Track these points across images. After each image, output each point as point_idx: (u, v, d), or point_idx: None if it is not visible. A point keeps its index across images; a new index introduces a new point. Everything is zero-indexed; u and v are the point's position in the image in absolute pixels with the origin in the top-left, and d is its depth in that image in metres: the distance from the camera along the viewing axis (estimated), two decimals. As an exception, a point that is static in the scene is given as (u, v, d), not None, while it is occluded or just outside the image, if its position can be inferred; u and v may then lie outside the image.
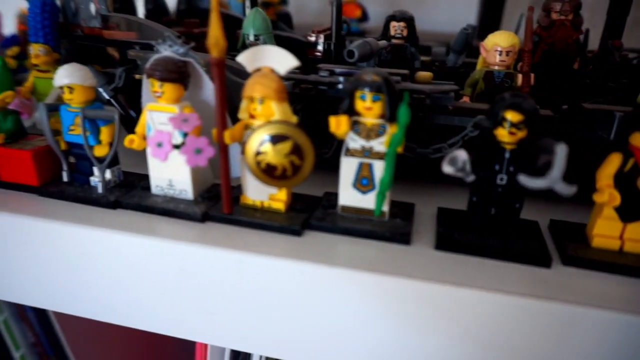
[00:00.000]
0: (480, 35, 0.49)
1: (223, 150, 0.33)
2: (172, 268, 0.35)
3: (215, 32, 0.30)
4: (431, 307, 0.31)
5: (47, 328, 0.65)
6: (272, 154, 0.31)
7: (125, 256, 0.35)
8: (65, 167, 0.40)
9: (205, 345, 0.50)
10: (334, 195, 0.38)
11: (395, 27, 0.49)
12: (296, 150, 0.31)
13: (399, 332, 0.31)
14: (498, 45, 0.40)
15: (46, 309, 0.63)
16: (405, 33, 0.49)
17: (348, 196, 0.35)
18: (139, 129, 0.37)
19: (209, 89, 0.37)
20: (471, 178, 0.31)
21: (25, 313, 0.64)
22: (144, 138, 0.36)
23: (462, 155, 0.30)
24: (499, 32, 0.40)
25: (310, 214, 0.36)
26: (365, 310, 0.32)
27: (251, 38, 0.47)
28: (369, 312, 0.32)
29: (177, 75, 0.34)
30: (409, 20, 0.49)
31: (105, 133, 0.37)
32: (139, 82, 0.42)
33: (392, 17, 0.49)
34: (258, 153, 0.31)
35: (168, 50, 0.35)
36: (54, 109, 0.38)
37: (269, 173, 0.32)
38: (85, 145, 0.37)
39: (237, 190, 0.37)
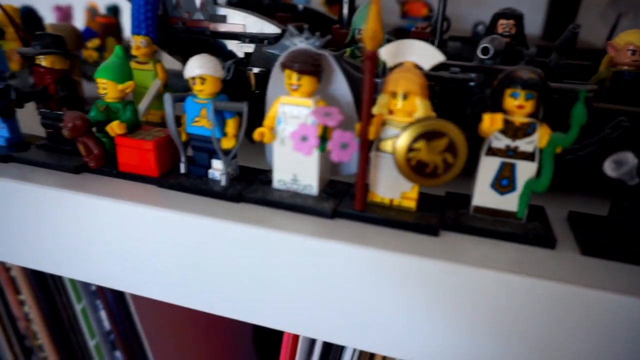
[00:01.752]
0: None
1: (364, 145, 0.33)
2: (302, 264, 0.34)
3: (372, 25, 0.30)
4: (585, 314, 0.30)
5: (125, 315, 0.65)
6: (425, 151, 0.30)
7: (250, 249, 0.35)
8: (183, 158, 0.40)
9: (296, 337, 0.49)
10: (460, 196, 0.37)
11: (504, 25, 0.48)
12: (451, 147, 0.30)
13: (557, 338, 0.30)
14: (632, 44, 0.38)
15: (126, 295, 0.63)
16: (513, 31, 0.48)
17: (484, 197, 0.34)
18: (268, 122, 0.36)
19: (339, 83, 0.36)
20: (635, 181, 0.29)
21: (106, 299, 0.64)
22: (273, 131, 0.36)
23: (630, 158, 0.28)
24: (634, 31, 0.39)
25: (441, 214, 0.35)
26: (515, 314, 0.31)
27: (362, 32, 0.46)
28: (519, 316, 0.31)
29: (315, 67, 0.34)
30: (518, 18, 0.47)
31: (231, 125, 0.37)
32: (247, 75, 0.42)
33: (501, 15, 0.48)
34: (410, 150, 0.30)
35: (304, 42, 0.35)
36: (180, 100, 0.38)
37: (418, 170, 0.31)
38: (212, 138, 0.37)
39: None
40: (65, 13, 0.88)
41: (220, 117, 0.37)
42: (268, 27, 0.46)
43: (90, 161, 0.40)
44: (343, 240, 0.33)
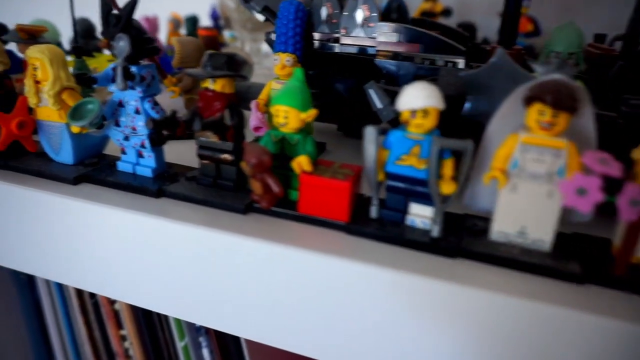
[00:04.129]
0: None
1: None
2: (563, 342, 0.28)
3: None
4: None
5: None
6: None
7: (478, 313, 0.29)
8: (375, 201, 0.34)
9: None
10: None
11: None
12: None
13: None
14: None
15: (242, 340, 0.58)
16: None
17: None
18: (498, 163, 0.30)
19: (586, 119, 0.30)
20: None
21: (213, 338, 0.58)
22: (505, 174, 0.30)
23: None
24: None
25: None
26: None
27: (561, 56, 0.40)
28: None
29: (574, 103, 0.28)
30: None
31: (449, 166, 0.31)
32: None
33: None
34: None
35: (556, 72, 0.29)
36: (383, 133, 0.32)
37: None
38: (430, 181, 0.31)
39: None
40: (152, 24, 0.83)
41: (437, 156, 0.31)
42: (448, 48, 0.40)
43: (262, 201, 0.35)
44: (605, 314, 0.27)
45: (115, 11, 0.36)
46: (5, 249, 0.43)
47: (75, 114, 0.38)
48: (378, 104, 0.39)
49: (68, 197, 0.38)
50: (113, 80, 0.38)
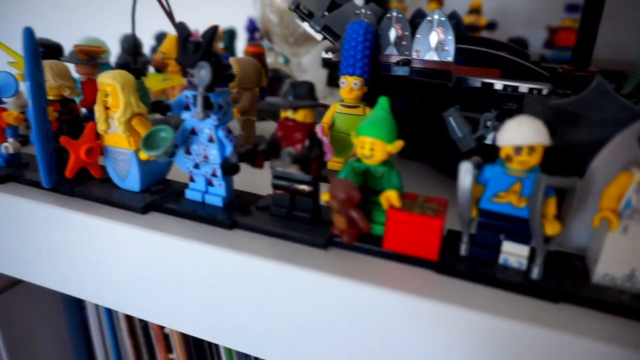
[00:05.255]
0: None
1: None
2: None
3: None
4: None
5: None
6: None
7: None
8: (465, 238, 0.32)
9: None
10: None
11: None
12: None
13: None
14: None
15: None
16: None
17: None
18: (609, 202, 0.28)
19: None
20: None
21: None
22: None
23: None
24: None
25: None
26: None
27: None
28: None
29: (699, 141, 0.26)
30: None
31: (553, 205, 0.29)
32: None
33: None
34: None
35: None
36: (478, 167, 0.30)
37: None
38: (534, 220, 0.29)
39: None
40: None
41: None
42: (531, 73, 0.38)
43: (345, 236, 0.33)
44: None
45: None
46: (63, 274, 0.42)
47: (148, 142, 0.37)
48: (458, 132, 0.37)
49: (138, 227, 0.37)
50: (186, 108, 0.37)
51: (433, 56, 0.42)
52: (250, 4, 0.90)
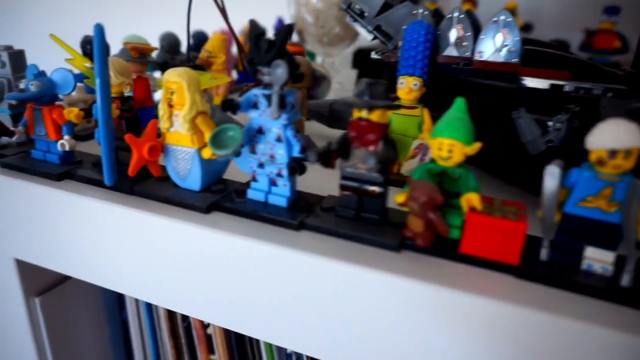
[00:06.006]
0: None
1: None
2: None
3: None
4: None
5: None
6: None
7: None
8: (546, 242, 0.31)
9: None
10: None
11: None
12: None
13: None
14: None
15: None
16: None
17: None
18: None
19: None
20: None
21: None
22: None
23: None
24: None
25: None
26: None
27: None
28: None
29: None
30: None
31: (647, 210, 0.29)
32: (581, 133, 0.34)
33: None
34: None
35: None
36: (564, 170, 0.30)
37: None
38: (627, 225, 0.28)
39: None
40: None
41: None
42: (602, 74, 0.37)
43: (419, 238, 0.33)
44: None
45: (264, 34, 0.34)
46: (118, 272, 0.42)
47: (215, 141, 0.36)
48: (528, 135, 0.37)
49: (202, 227, 0.36)
50: (254, 106, 0.36)
51: (498, 57, 0.41)
52: (282, 3, 0.90)
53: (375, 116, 0.33)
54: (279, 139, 0.36)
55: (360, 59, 0.91)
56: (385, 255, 0.33)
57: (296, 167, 0.36)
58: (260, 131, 0.37)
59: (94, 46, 0.34)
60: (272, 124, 0.36)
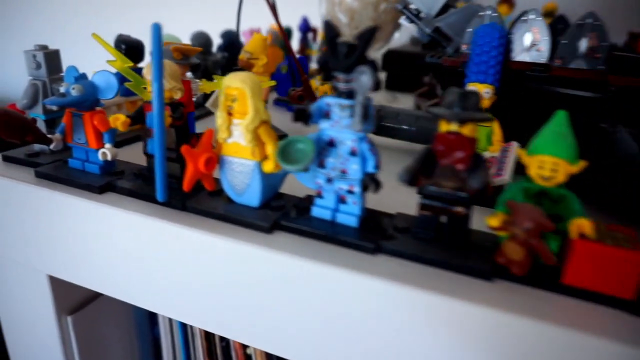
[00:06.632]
0: None
1: None
2: None
3: None
4: None
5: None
6: None
7: None
8: (662, 274, 0.28)
9: None
10: None
11: None
12: None
13: None
14: None
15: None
16: None
17: None
18: None
19: None
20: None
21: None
22: None
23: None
24: None
25: None
26: None
27: None
28: None
29: None
30: None
31: None
32: None
33: None
34: None
35: None
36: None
37: None
38: None
39: None
40: (257, 38, 0.79)
41: None
42: None
43: (514, 266, 0.29)
44: None
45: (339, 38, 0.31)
46: (163, 293, 0.39)
47: (284, 154, 0.33)
48: (627, 149, 0.33)
49: (266, 248, 0.33)
50: (326, 116, 0.33)
51: (581, 64, 0.38)
52: (311, 2, 0.86)
53: (468, 130, 0.30)
54: (352, 153, 0.33)
55: (391, 60, 0.88)
56: (475, 283, 0.30)
57: (371, 183, 0.32)
58: (331, 144, 0.33)
59: (152, 47, 0.31)
60: (346, 136, 0.32)
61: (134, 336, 0.57)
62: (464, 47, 0.45)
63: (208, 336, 0.54)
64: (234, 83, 0.33)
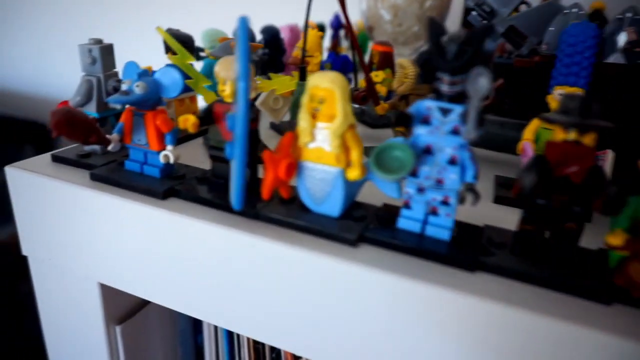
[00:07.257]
0: None
1: None
2: None
3: None
4: None
5: None
6: None
7: None
8: None
9: None
10: None
11: None
12: None
13: None
14: None
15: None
16: None
17: None
18: None
19: None
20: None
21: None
22: None
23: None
24: None
25: None
26: None
27: None
28: None
29: None
30: None
31: None
32: None
33: None
34: None
35: None
36: None
37: None
38: None
39: None
40: (295, 35, 0.76)
41: None
42: None
43: (638, 290, 0.27)
44: None
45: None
46: (227, 306, 0.36)
47: (379, 162, 0.30)
48: None
49: (355, 263, 0.30)
50: (424, 121, 0.30)
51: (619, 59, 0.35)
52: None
53: (589, 140, 0.27)
54: (452, 161, 0.30)
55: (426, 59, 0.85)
56: (591, 308, 0.27)
57: (469, 194, 0.30)
58: (427, 150, 0.30)
59: (238, 42, 0.28)
60: (447, 143, 0.30)
61: (177, 342, 0.54)
62: (543, 47, 0.42)
63: (256, 348, 0.51)
64: (323, 83, 0.31)
